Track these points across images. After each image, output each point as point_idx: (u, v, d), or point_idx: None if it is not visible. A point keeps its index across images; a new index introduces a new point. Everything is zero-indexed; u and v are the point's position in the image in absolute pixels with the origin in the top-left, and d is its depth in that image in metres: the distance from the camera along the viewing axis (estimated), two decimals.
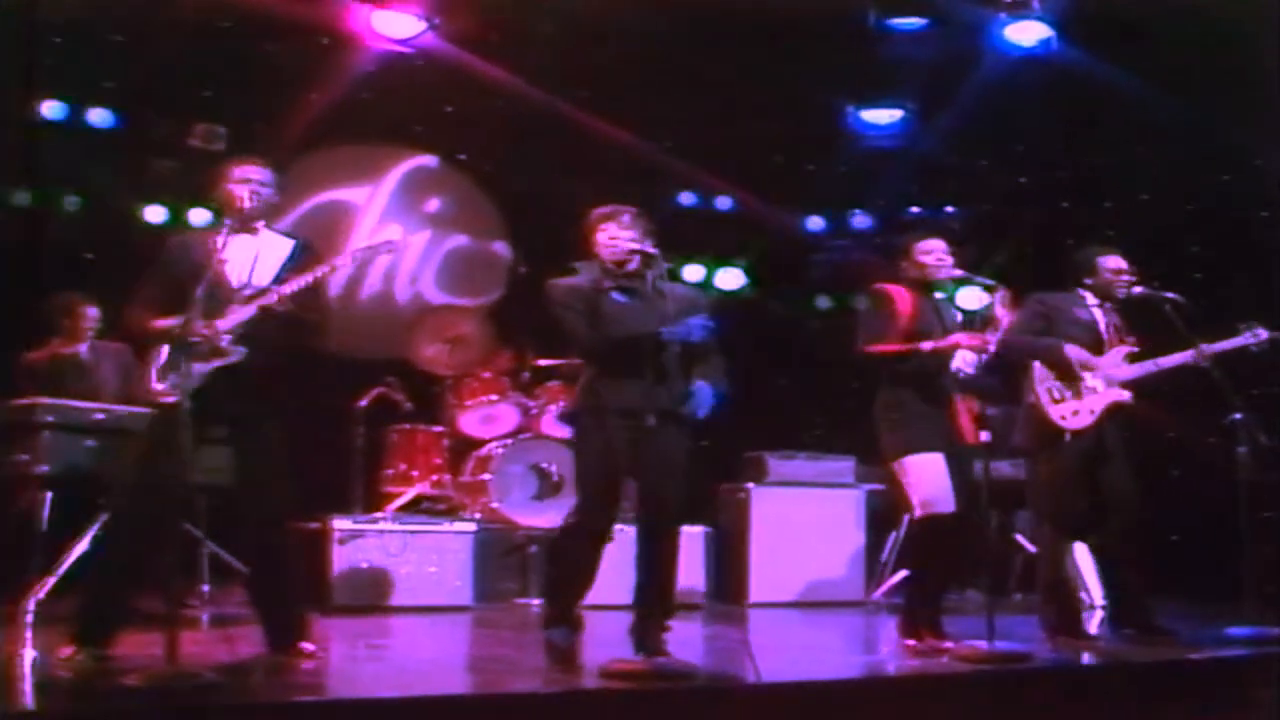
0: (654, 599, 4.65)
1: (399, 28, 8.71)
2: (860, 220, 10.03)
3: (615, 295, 4.67)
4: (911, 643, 5.08)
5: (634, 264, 4.66)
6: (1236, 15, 8.05)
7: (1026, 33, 8.66)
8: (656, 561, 4.63)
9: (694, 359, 4.70)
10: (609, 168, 9.69)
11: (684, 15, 8.50)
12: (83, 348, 6.60)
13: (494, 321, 8.08)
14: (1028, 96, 9.12)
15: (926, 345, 5.05)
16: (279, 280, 4.56)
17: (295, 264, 4.65)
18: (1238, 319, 8.34)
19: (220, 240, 4.45)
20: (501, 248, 9.43)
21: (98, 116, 8.63)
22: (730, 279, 9.57)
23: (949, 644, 4.97)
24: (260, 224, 4.69)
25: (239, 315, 4.49)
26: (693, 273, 9.48)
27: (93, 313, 6.65)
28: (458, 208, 9.45)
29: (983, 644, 4.80)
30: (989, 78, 9.00)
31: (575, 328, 4.68)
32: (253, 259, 4.61)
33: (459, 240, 9.45)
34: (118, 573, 4.55)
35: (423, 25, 8.64)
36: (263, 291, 4.52)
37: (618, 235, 4.72)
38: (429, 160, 9.39)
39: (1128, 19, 8.43)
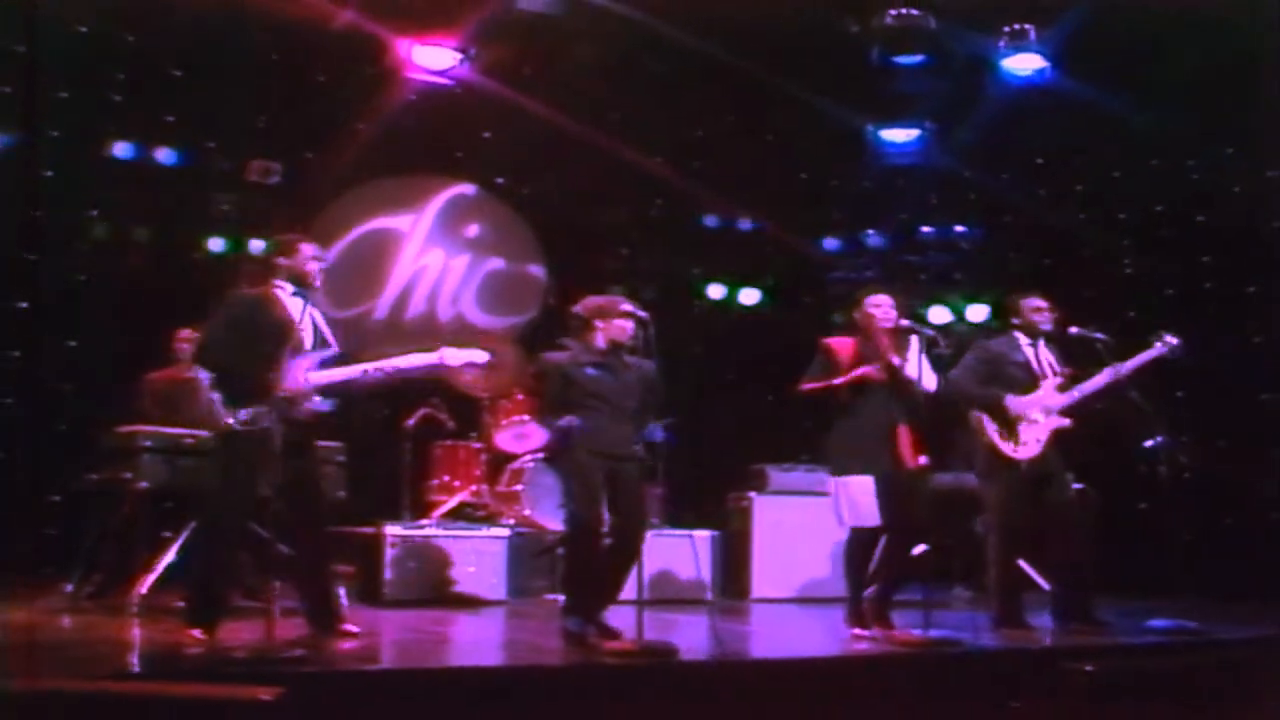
0: (614, 594, 6.48)
1: (439, 60, 10.47)
2: (876, 239, 11.76)
3: (589, 370, 6.47)
4: (856, 630, 6.77)
5: (623, 348, 6.49)
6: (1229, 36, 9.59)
7: (1024, 63, 10.39)
8: (624, 566, 6.44)
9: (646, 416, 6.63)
10: (638, 191, 11.51)
11: (710, 44, 10.23)
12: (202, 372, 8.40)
13: (527, 345, 9.68)
14: (1031, 119, 10.84)
15: (838, 380, 6.75)
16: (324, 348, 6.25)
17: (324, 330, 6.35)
18: (1251, 328, 9.98)
19: (291, 308, 6.20)
20: (536, 269, 11.26)
21: (162, 153, 10.40)
22: (750, 296, 11.39)
23: (894, 632, 6.73)
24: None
25: (330, 377, 6.13)
26: (715, 290, 11.31)
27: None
28: (495, 232, 11.26)
29: (918, 632, 6.52)
30: (993, 103, 10.76)
31: (546, 398, 6.55)
32: (312, 327, 6.26)
33: (496, 263, 11.27)
34: (217, 571, 6.27)
35: (458, 58, 10.40)
36: (340, 359, 6.21)
37: (625, 325, 6.50)
38: (468, 188, 11.20)
39: (1122, 48, 10.11)
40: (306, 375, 6.11)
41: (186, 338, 8.22)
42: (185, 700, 4.61)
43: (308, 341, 6.25)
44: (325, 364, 6.24)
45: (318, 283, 6.36)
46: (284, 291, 6.33)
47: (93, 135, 10.22)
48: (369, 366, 6.24)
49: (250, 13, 9.76)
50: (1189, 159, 10.67)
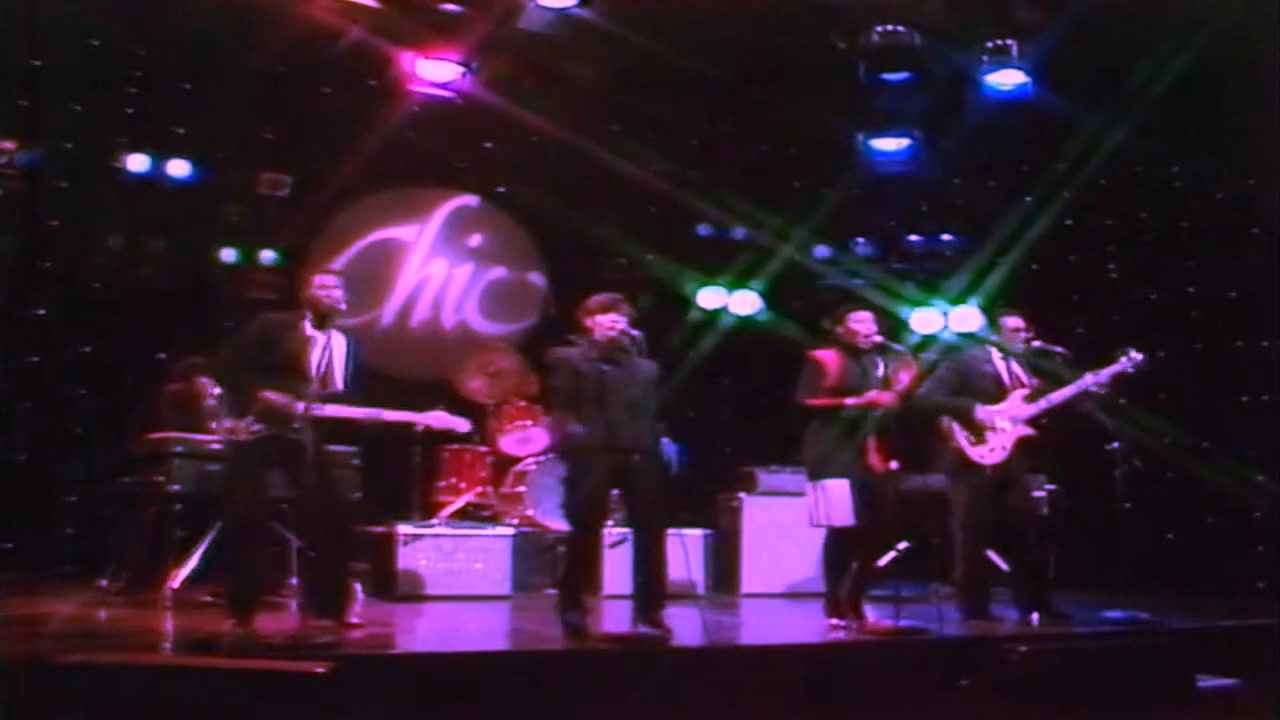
0: (651, 586, 7.41)
1: (442, 74, 11.41)
2: (865, 247, 12.84)
3: (602, 365, 7.36)
4: (834, 621, 7.85)
5: (623, 343, 7.41)
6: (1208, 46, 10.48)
7: (1007, 78, 11.36)
8: (649, 560, 7.39)
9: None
10: (635, 200, 12.56)
11: (704, 59, 11.25)
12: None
13: (528, 353, 10.77)
14: (1015, 131, 11.81)
15: (850, 401, 7.85)
16: (347, 380, 7.21)
17: (353, 358, 7.31)
18: (1224, 330, 11.02)
19: (309, 336, 7.17)
20: (536, 278, 12.35)
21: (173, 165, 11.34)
22: (744, 303, 12.47)
23: (867, 622, 7.86)
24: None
25: (331, 412, 7.07)
26: (709, 298, 12.40)
27: None
28: (497, 242, 12.34)
29: (889, 621, 7.69)
30: (978, 116, 11.78)
31: (558, 393, 7.46)
32: (325, 352, 7.15)
33: (498, 272, 12.38)
34: (242, 566, 7.26)
35: (460, 71, 11.32)
36: (339, 394, 7.17)
37: (616, 321, 7.44)
38: (471, 199, 12.28)
39: (1102, 61, 11.10)
40: (306, 404, 6.99)
41: None
42: (242, 672, 5.75)
43: (322, 372, 7.17)
44: (327, 398, 7.19)
45: (341, 306, 7.31)
46: (307, 321, 7.28)
47: (105, 147, 11.16)
48: (367, 413, 7.23)
49: (258, 27, 10.66)
50: (1172, 166, 11.66)
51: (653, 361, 7.54)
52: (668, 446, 7.46)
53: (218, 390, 9.13)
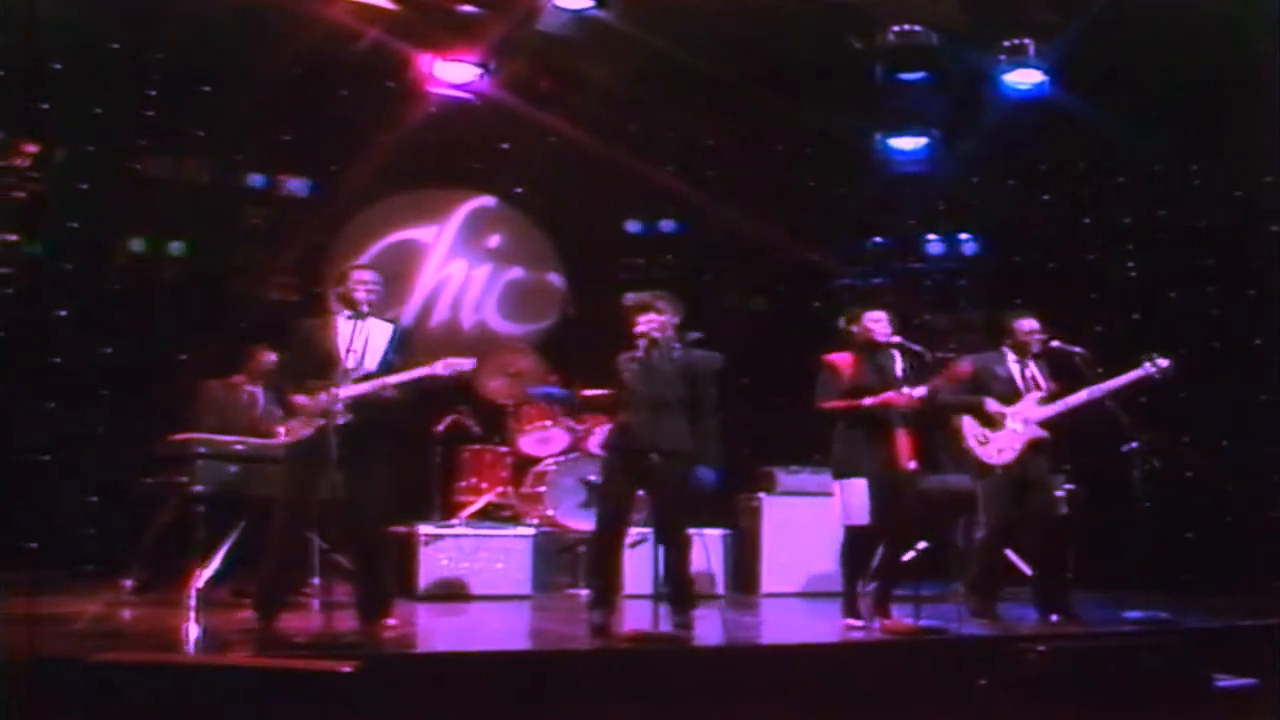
0: (671, 586, 7.52)
1: (459, 75, 11.54)
2: (882, 246, 12.94)
3: (633, 366, 7.54)
4: (850, 621, 7.96)
5: (643, 344, 7.54)
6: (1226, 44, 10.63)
7: (1024, 78, 11.47)
8: (666, 560, 7.50)
9: (698, 412, 7.63)
10: (652, 201, 12.68)
11: (719, 59, 11.39)
12: (259, 388, 9.56)
13: (547, 355, 10.95)
14: (1033, 130, 11.92)
15: (867, 401, 7.93)
16: (385, 363, 7.29)
17: (396, 346, 7.40)
18: (1242, 328, 11.09)
19: (341, 330, 7.26)
20: (555, 278, 12.48)
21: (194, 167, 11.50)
22: (760, 304, 12.60)
23: (889, 621, 7.92)
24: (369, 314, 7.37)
25: (353, 390, 7.13)
26: (724, 298, 12.52)
27: (271, 358, 9.47)
28: (515, 243, 12.48)
29: (909, 620, 7.77)
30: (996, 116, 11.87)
31: (619, 388, 7.64)
32: (364, 343, 7.24)
33: (517, 272, 12.53)
34: (280, 565, 7.38)
35: (478, 72, 11.44)
36: (371, 376, 7.20)
37: (649, 321, 7.54)
38: (489, 200, 12.42)
39: (1119, 60, 11.15)
40: (334, 391, 7.11)
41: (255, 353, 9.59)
42: (268, 671, 5.85)
43: (360, 360, 7.24)
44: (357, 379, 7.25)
45: (364, 307, 7.38)
46: (341, 316, 7.40)
47: (126, 149, 11.30)
48: (381, 382, 7.27)
49: (276, 30, 10.75)
50: (1190, 164, 11.70)
51: (714, 353, 7.78)
52: (705, 474, 7.61)
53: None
